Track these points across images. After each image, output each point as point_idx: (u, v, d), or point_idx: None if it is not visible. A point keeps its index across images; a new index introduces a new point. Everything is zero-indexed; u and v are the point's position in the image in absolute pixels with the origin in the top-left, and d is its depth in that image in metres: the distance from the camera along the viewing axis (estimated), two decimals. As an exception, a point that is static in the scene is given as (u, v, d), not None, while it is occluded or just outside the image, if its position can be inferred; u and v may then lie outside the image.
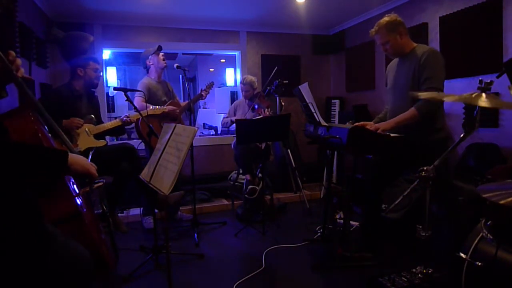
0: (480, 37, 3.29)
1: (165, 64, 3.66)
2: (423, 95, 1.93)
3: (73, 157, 1.33)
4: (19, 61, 1.28)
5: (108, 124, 3.11)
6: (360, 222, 3.07)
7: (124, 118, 3.13)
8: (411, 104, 2.36)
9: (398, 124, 2.40)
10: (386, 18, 2.49)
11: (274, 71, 3.94)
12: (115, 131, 3.20)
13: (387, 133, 2.37)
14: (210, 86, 3.91)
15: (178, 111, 3.59)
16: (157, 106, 3.33)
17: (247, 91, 4.09)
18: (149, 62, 3.64)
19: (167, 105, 3.59)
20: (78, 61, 3.11)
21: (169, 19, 4.81)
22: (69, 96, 3.01)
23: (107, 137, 3.48)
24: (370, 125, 2.47)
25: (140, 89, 3.47)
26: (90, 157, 2.89)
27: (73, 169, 1.32)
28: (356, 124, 2.55)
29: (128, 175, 3.09)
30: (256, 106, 3.98)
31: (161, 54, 3.63)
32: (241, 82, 4.16)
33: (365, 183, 2.64)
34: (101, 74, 3.16)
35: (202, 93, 3.82)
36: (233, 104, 4.34)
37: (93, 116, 3.08)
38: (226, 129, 4.65)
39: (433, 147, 2.36)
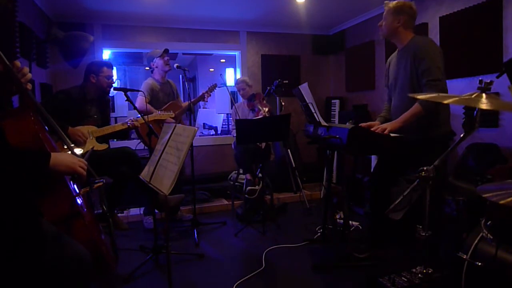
0: (480, 37, 3.28)
1: (169, 68, 3.69)
2: (421, 96, 1.92)
3: (57, 158, 1.29)
4: (26, 69, 1.30)
5: (110, 128, 3.04)
6: (366, 223, 3.06)
7: (129, 123, 3.06)
8: (413, 99, 2.29)
9: (406, 123, 2.35)
10: (400, 1, 2.45)
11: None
12: (119, 134, 3.17)
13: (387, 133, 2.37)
14: (213, 88, 3.92)
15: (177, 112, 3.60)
16: (162, 112, 3.30)
17: (243, 89, 4.19)
18: (153, 64, 3.67)
19: (167, 106, 3.60)
20: (91, 66, 3.04)
21: (169, 19, 4.80)
22: (79, 99, 2.96)
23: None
24: (376, 127, 2.40)
25: (142, 89, 3.47)
26: (86, 157, 2.88)
27: (56, 170, 1.29)
28: (361, 124, 2.49)
29: (128, 179, 3.07)
30: (256, 110, 4.03)
31: (166, 57, 3.63)
32: (235, 84, 4.28)
33: (368, 184, 2.64)
34: (114, 80, 3.10)
35: (204, 95, 3.82)
36: (233, 108, 4.33)
37: (96, 116, 3.05)
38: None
39: (434, 144, 2.35)
